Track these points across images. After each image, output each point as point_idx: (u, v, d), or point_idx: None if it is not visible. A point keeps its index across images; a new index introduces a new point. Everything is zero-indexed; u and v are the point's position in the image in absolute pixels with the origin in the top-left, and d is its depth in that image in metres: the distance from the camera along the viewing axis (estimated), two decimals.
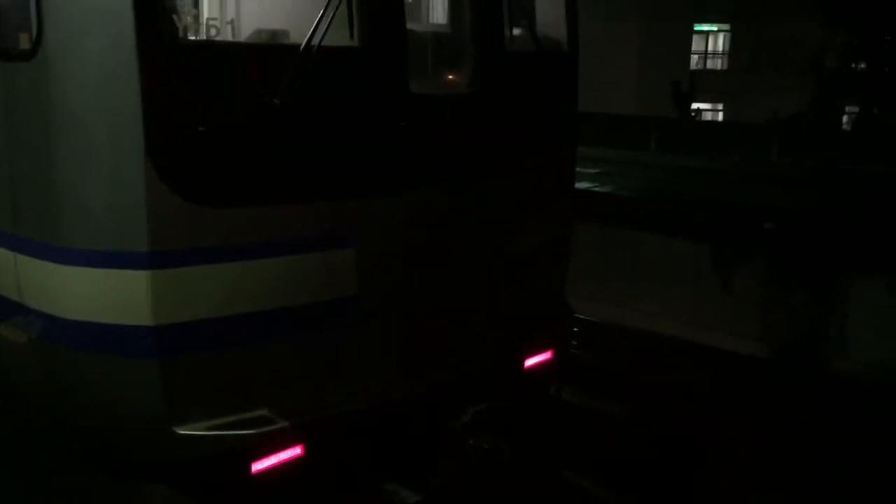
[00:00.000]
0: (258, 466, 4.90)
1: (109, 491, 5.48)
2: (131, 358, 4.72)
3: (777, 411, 8.76)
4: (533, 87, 6.24)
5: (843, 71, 30.97)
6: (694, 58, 45.03)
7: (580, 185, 11.67)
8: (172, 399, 4.77)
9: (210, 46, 5.47)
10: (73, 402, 4.99)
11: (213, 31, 6.12)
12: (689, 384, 9.46)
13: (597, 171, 22.35)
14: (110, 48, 4.44)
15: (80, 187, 4.63)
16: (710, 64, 45.25)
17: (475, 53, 5.87)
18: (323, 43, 4.86)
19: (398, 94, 5.35)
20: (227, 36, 6.46)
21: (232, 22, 6.65)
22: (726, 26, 44.21)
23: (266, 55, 5.12)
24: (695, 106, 37.45)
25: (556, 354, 6.58)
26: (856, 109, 31.55)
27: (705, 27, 44.81)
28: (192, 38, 5.58)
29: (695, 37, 45.01)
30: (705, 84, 38.53)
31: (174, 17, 4.87)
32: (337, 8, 4.95)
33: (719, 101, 42.24)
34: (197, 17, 5.95)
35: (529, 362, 6.38)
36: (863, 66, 31.13)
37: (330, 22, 4.88)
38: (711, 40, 45.52)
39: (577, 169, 6.96)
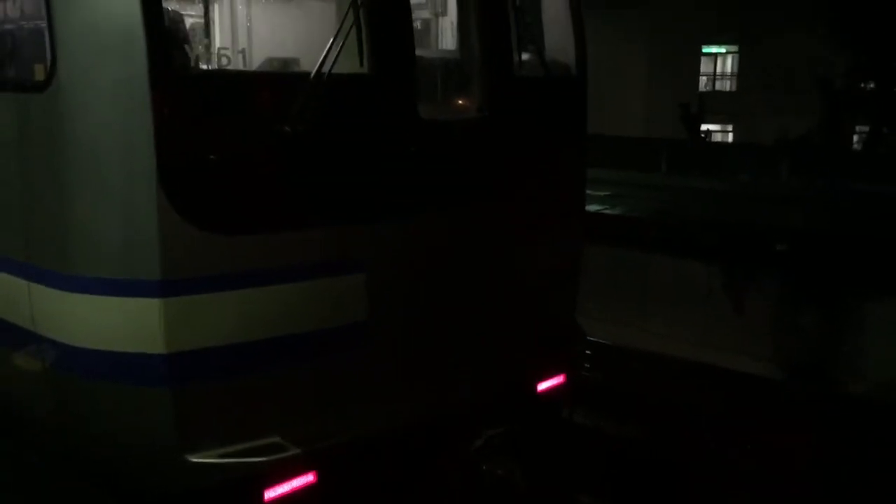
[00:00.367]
0: (270, 494, 4.89)
1: None
2: (143, 386, 4.72)
3: (790, 431, 8.69)
4: (542, 112, 6.27)
5: (852, 91, 30.97)
6: (702, 79, 45.10)
7: (590, 207, 11.67)
8: (184, 427, 4.77)
9: (221, 76, 5.52)
10: (86, 430, 5.00)
11: (224, 61, 6.18)
12: (702, 405, 9.40)
13: (607, 193, 22.34)
14: (123, 79, 4.49)
15: (93, 216, 4.67)
16: (718, 85, 45.28)
17: (484, 79, 5.91)
18: (333, 70, 4.91)
19: (408, 120, 5.38)
20: (238, 65, 6.52)
21: (243, 51, 6.72)
22: (734, 48, 44.28)
23: (276, 83, 5.17)
24: (704, 127, 37.46)
25: (568, 377, 6.55)
26: (865, 129, 31.51)
27: (713, 49, 44.89)
28: (204, 67, 5.64)
29: (703, 58, 45.09)
30: (714, 105, 38.55)
31: (186, 47, 4.93)
32: (347, 36, 5.00)
33: (728, 123, 42.23)
34: (209, 47, 6.01)
35: (542, 386, 6.36)
36: (872, 85, 31.12)
37: (340, 49, 4.92)
38: (720, 62, 45.59)
39: (587, 191, 6.98)
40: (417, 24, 6.45)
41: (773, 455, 8.13)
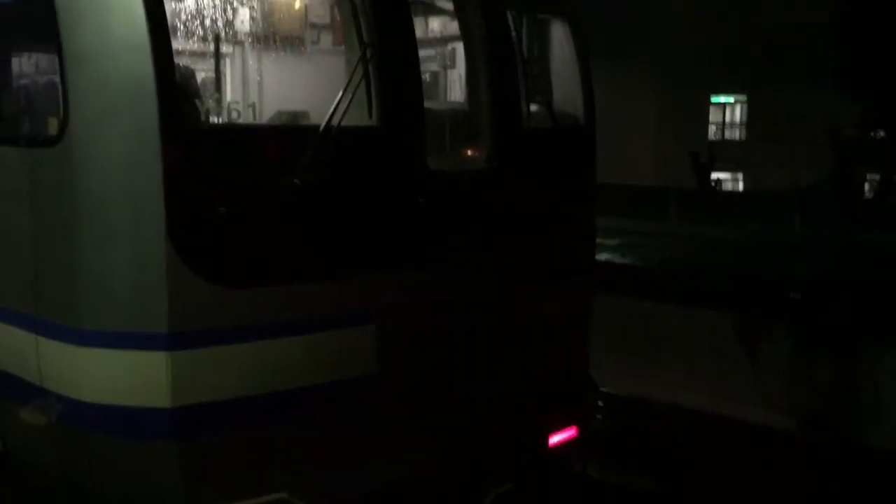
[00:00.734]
0: None
1: None
2: (149, 441, 4.68)
3: (808, 483, 8.53)
4: (551, 163, 6.28)
5: (862, 139, 31.02)
6: (712, 128, 45.33)
7: (601, 256, 11.62)
8: (191, 483, 4.71)
9: (230, 130, 5.56)
10: (92, 485, 4.94)
11: (234, 114, 6.23)
12: (717, 457, 9.26)
13: (617, 242, 22.30)
14: (134, 133, 4.53)
15: (103, 269, 4.67)
16: (727, 134, 45.51)
17: (493, 130, 5.93)
18: (342, 123, 4.93)
19: (416, 172, 5.39)
20: (248, 118, 6.56)
21: (253, 105, 6.78)
22: (743, 97, 44.58)
23: (286, 136, 5.21)
24: (714, 176, 37.53)
25: (580, 430, 6.46)
26: (876, 177, 31.48)
27: (722, 98, 45.20)
28: (214, 120, 5.68)
29: (712, 108, 45.38)
30: (724, 154, 38.66)
31: (196, 101, 4.97)
32: (356, 88, 5.04)
33: (738, 171, 42.33)
34: (219, 101, 6.06)
35: (554, 439, 6.27)
36: (881, 134, 31.17)
37: (349, 102, 4.96)
38: (728, 111, 45.87)
39: (598, 240, 6.95)
40: (426, 77, 6.51)
41: None
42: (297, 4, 6.69)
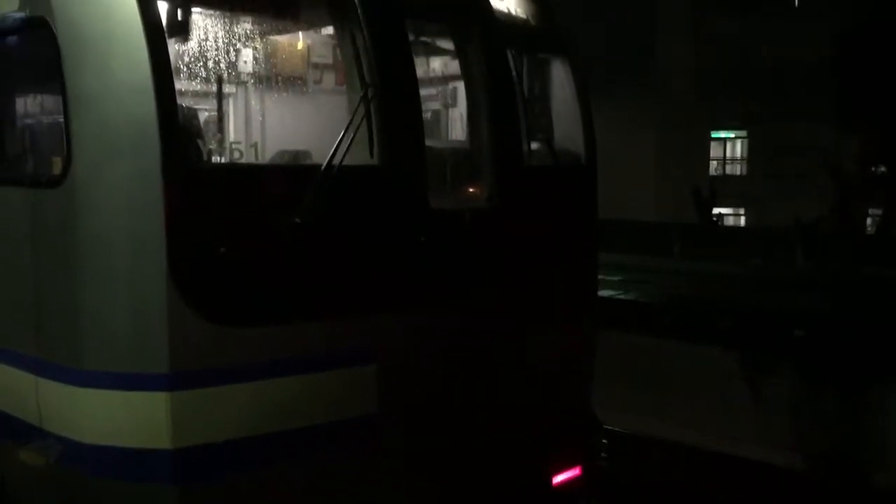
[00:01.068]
0: None
1: None
2: (149, 483, 4.63)
3: None
4: (552, 200, 6.28)
5: (864, 174, 31.06)
6: (713, 163, 45.47)
7: (603, 293, 11.60)
8: None
9: (232, 170, 5.58)
10: None
11: (236, 154, 6.26)
12: (723, 496, 9.15)
13: (619, 278, 22.26)
14: (136, 174, 4.54)
15: (104, 310, 4.66)
16: (728, 169, 45.64)
17: (494, 168, 5.94)
18: (344, 162, 4.95)
19: (418, 211, 5.40)
20: (250, 158, 6.59)
21: (255, 144, 6.81)
22: (743, 132, 44.78)
23: (287, 176, 5.21)
24: (716, 211, 37.56)
25: (585, 469, 6.40)
26: (878, 212, 31.49)
27: (722, 134, 45.41)
28: (216, 160, 5.70)
29: (713, 143, 45.57)
30: (725, 189, 38.73)
31: (199, 141, 4.99)
32: (358, 128, 5.06)
33: (740, 206, 42.38)
34: (221, 141, 6.10)
35: (558, 478, 6.21)
36: (882, 169, 31.23)
37: (351, 141, 4.97)
38: (729, 146, 46.05)
39: (600, 277, 6.93)
40: (427, 115, 6.54)
41: None
42: (300, 45, 6.75)
